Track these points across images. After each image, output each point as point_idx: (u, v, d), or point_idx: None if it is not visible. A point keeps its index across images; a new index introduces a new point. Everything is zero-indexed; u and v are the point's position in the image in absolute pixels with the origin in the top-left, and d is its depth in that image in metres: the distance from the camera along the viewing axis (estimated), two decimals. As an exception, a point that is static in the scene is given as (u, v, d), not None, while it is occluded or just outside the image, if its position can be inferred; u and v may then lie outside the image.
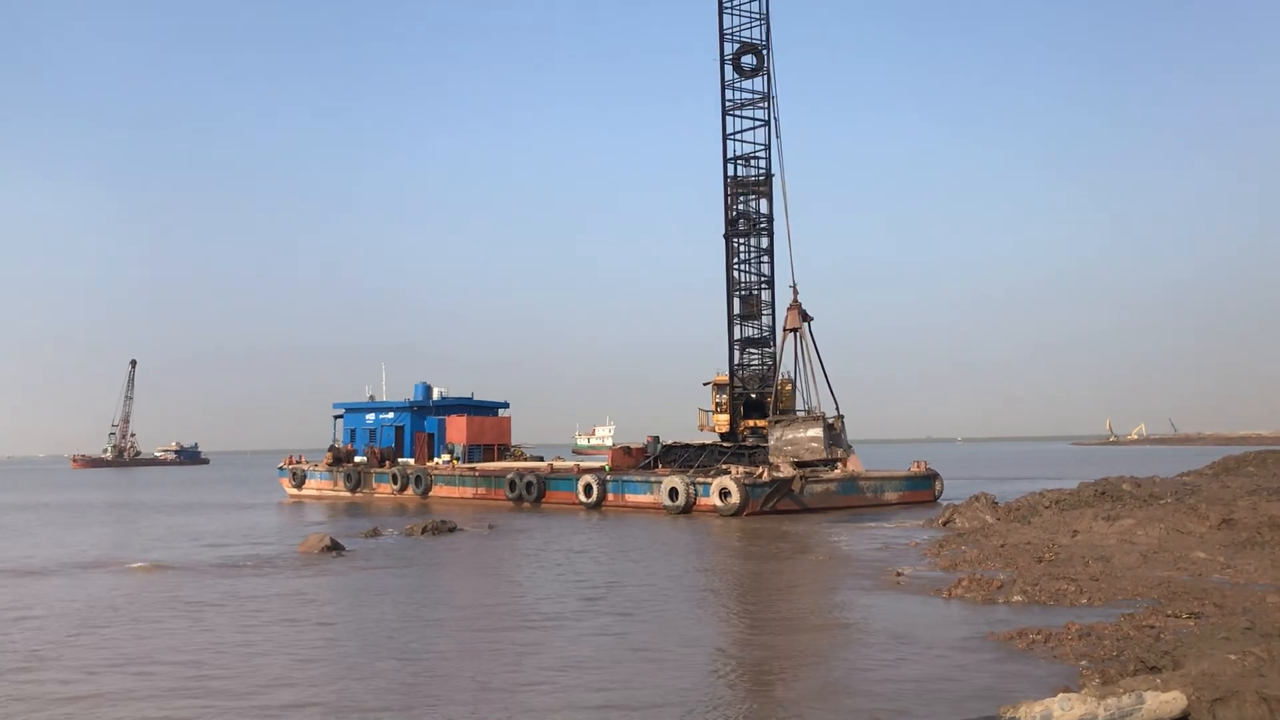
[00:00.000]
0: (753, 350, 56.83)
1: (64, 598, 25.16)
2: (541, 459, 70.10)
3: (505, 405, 76.46)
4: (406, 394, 75.46)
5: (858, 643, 18.12)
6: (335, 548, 33.80)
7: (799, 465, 50.16)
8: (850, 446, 57.89)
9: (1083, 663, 15.42)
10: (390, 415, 74.45)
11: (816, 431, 50.10)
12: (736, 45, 54.47)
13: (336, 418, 77.85)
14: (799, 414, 52.40)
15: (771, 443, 51.23)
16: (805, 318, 52.85)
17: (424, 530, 40.39)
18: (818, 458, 50.57)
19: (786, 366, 53.93)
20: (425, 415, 73.21)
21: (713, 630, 20.19)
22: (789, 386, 57.00)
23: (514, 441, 73.40)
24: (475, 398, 76.22)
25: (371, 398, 77.92)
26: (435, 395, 74.53)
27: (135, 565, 31.17)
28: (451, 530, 41.21)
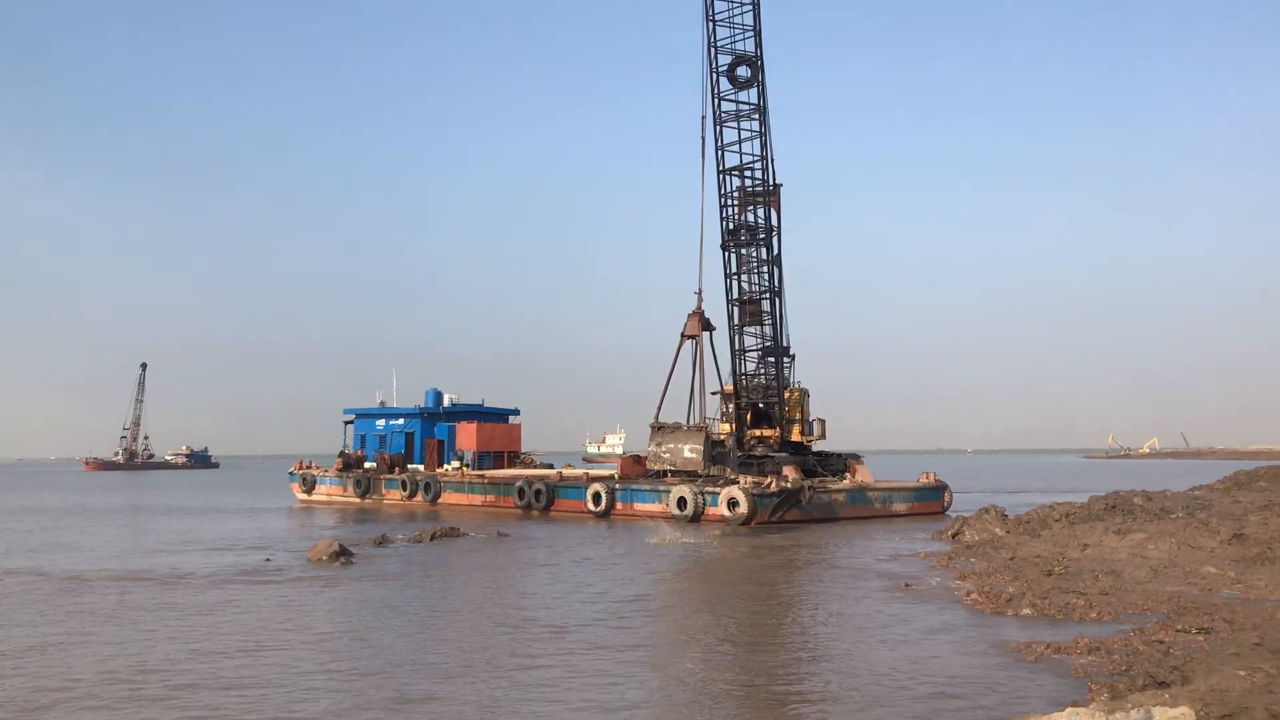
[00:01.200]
0: (755, 360, 56.53)
1: (61, 604, 25.28)
2: (552, 466, 70.15)
3: (516, 412, 76.57)
4: (417, 400, 75.65)
5: (864, 655, 18.09)
6: (344, 554, 33.87)
7: (676, 474, 51.15)
8: (856, 458, 57.88)
9: (1091, 677, 15.37)
10: (400, 421, 74.59)
11: (696, 445, 50.18)
12: (730, 57, 53.80)
13: (347, 423, 77.97)
14: (686, 425, 52.19)
15: (650, 448, 51.61)
16: (706, 326, 52.96)
17: (433, 537, 40.46)
18: (693, 469, 50.49)
19: (684, 372, 54.01)
20: (435, 421, 73.33)
21: (716, 646, 20.16)
22: (795, 395, 56.97)
23: (524, 449, 73.46)
24: (486, 404, 76.35)
25: (382, 404, 77.98)
26: (446, 402, 74.65)
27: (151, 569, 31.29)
28: (460, 537, 41.24)
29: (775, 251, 55.84)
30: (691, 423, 52.50)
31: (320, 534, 43.96)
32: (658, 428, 52.07)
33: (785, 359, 57.51)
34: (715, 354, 54.07)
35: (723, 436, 57.63)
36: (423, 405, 74.44)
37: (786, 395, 56.68)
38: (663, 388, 55.02)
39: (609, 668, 17.30)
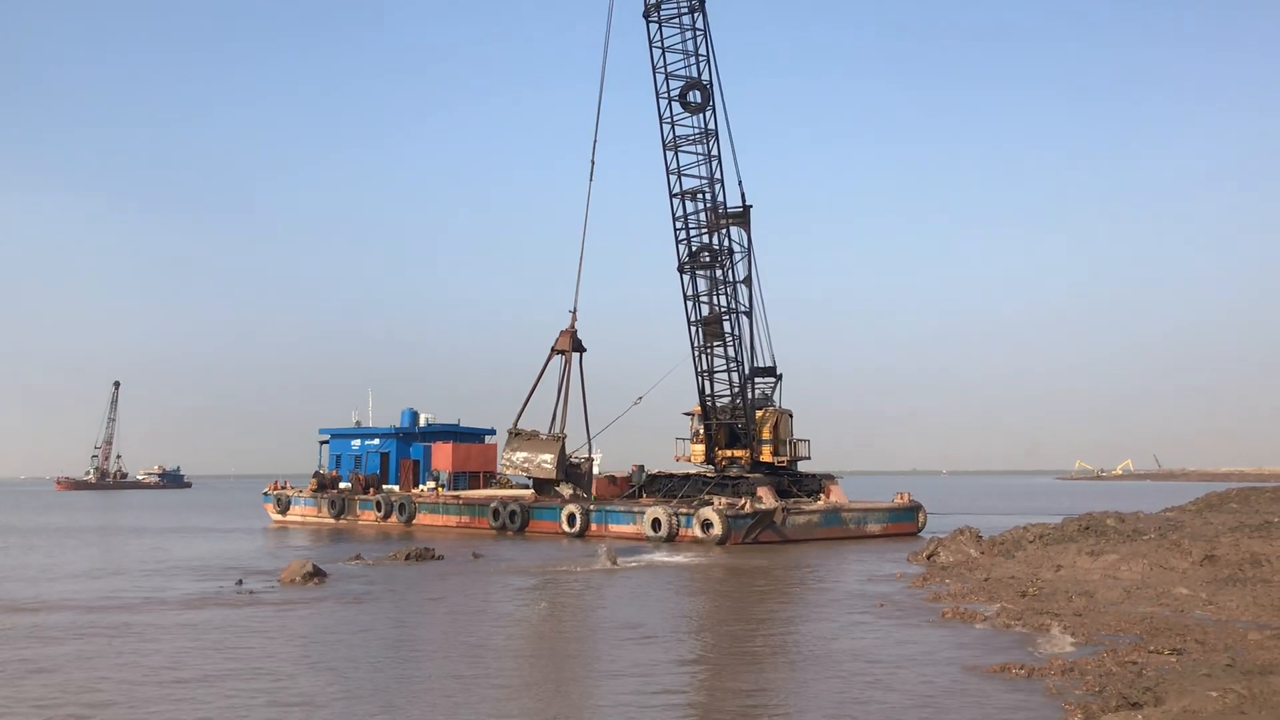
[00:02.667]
0: (721, 381, 56.16)
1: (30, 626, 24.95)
2: (527, 487, 69.91)
3: (492, 432, 76.38)
4: (394, 420, 75.29)
5: (839, 676, 18.06)
6: (317, 574, 33.59)
7: (537, 484, 51.77)
8: (830, 479, 57.92)
9: (1065, 698, 15.41)
10: (376, 441, 74.31)
11: (551, 455, 50.09)
12: (680, 82, 53.27)
13: (322, 443, 77.61)
14: (545, 435, 52.05)
15: (504, 456, 51.80)
16: (578, 347, 52.74)
17: (407, 557, 40.21)
18: (548, 478, 50.68)
19: (548, 388, 53.81)
20: (411, 442, 73.03)
21: (692, 667, 20.10)
22: (767, 415, 56.71)
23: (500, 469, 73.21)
24: (462, 424, 76.12)
25: (358, 423, 77.75)
26: (422, 422, 74.39)
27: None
28: (435, 558, 41.00)
29: (747, 273, 56.06)
30: (551, 433, 52.03)
31: (293, 555, 43.58)
32: (515, 434, 51.94)
33: (770, 379, 57.77)
34: (584, 375, 53.37)
35: (692, 459, 57.98)
36: (399, 425, 74.15)
37: (758, 415, 56.66)
38: (525, 397, 55.07)
39: (590, 693, 17.19)
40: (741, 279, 56.12)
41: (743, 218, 56.50)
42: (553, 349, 53.40)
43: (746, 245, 56.32)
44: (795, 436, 58.61)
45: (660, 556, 43.24)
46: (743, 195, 56.39)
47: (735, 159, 55.58)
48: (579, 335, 53.32)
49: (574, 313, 52.72)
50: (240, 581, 33.34)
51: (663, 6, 52.32)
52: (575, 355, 53.04)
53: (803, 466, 59.12)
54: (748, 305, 56.16)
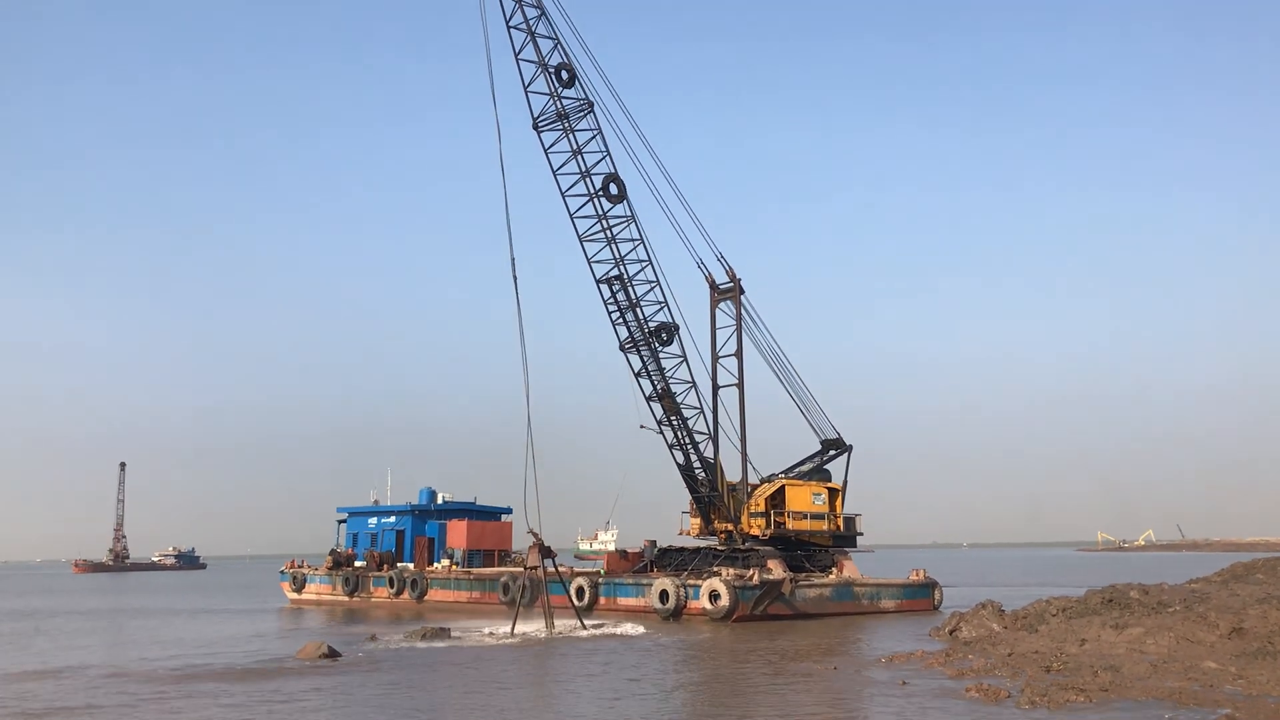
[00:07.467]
0: (690, 454, 55.22)
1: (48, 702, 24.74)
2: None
3: (508, 511, 76.01)
4: (413, 498, 75.28)
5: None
6: (332, 655, 33.29)
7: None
8: (843, 553, 57.08)
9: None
10: (392, 519, 74.21)
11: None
12: (600, 177, 53.01)
13: (340, 522, 77.72)
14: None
15: None
16: (548, 554, 45.57)
17: (422, 637, 39.92)
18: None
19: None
20: (427, 519, 72.90)
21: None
22: (769, 486, 56.05)
23: (516, 547, 72.77)
24: (478, 502, 75.97)
25: (375, 501, 77.82)
26: (440, 500, 74.39)
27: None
28: (449, 637, 40.61)
29: (738, 346, 56.31)
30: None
31: (308, 636, 43.23)
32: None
33: (833, 451, 58.49)
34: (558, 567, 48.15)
35: (691, 532, 57.57)
36: (416, 503, 74.12)
37: (755, 486, 56.15)
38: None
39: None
40: (732, 352, 56.51)
41: (731, 293, 57.02)
42: (526, 566, 47.79)
43: (736, 319, 56.55)
44: (846, 511, 58.09)
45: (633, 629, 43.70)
46: (730, 272, 57.04)
47: (709, 240, 57.00)
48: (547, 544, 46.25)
49: (537, 533, 44.64)
50: (255, 663, 32.99)
51: (539, 121, 52.71)
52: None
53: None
54: (737, 378, 56.24)
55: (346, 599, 68.84)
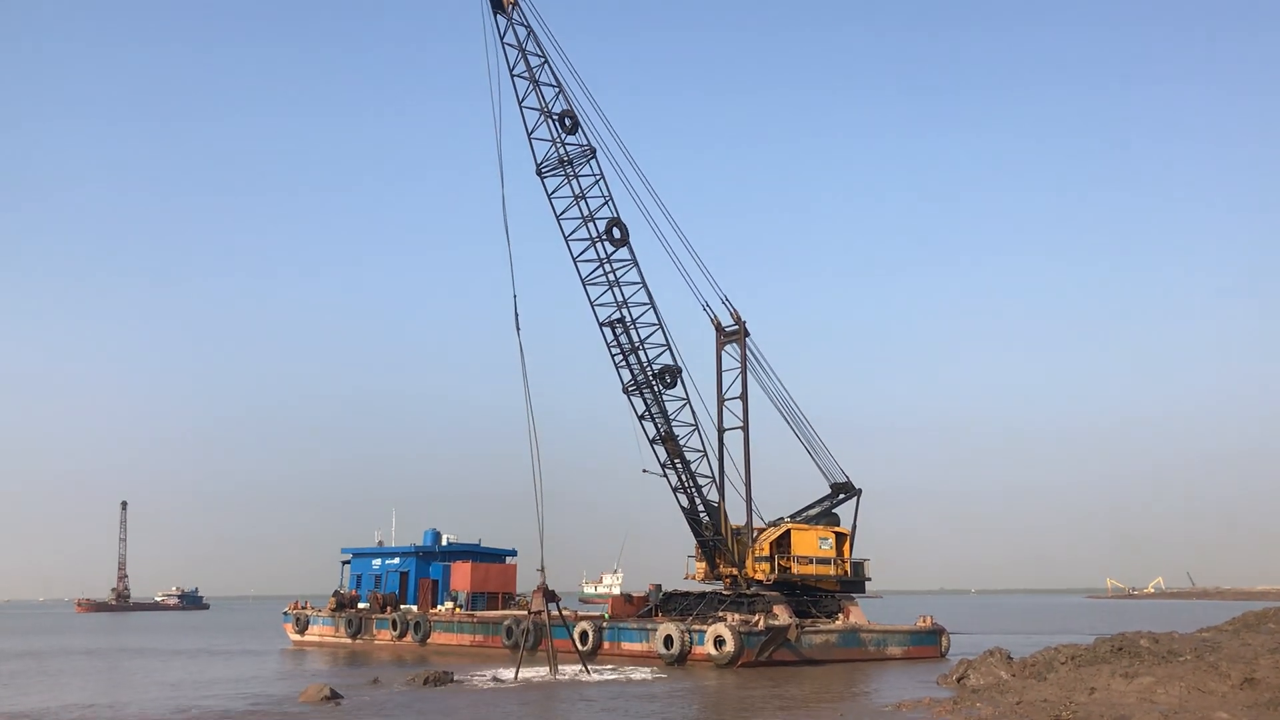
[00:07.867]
0: (693, 498, 55.00)
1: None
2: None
3: (513, 553, 75.72)
4: (418, 539, 75.12)
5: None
6: (334, 698, 33.02)
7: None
8: (849, 599, 56.62)
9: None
10: (396, 561, 73.96)
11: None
12: (604, 221, 53.40)
13: (344, 563, 77.57)
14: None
15: None
16: (552, 598, 44.77)
17: (425, 681, 39.57)
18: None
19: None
20: (431, 561, 72.60)
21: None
22: (774, 531, 55.73)
23: (520, 590, 72.33)
24: (483, 544, 75.69)
25: (380, 543, 77.66)
26: (444, 541, 74.18)
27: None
28: (451, 681, 40.30)
29: (743, 389, 56.25)
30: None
31: (310, 679, 42.93)
32: None
33: (841, 495, 57.86)
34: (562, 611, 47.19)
35: (697, 576, 57.07)
36: (420, 544, 73.89)
37: (760, 530, 55.81)
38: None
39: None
40: (738, 395, 56.45)
41: (736, 336, 57.15)
42: (530, 610, 48.60)
43: (741, 361, 56.58)
44: (855, 556, 57.67)
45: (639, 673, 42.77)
46: (735, 314, 57.10)
47: (713, 283, 56.81)
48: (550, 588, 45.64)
49: (542, 570, 44.96)
50: (256, 706, 32.76)
51: (542, 168, 53.30)
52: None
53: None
54: (742, 420, 56.16)
55: (349, 641, 68.41)
